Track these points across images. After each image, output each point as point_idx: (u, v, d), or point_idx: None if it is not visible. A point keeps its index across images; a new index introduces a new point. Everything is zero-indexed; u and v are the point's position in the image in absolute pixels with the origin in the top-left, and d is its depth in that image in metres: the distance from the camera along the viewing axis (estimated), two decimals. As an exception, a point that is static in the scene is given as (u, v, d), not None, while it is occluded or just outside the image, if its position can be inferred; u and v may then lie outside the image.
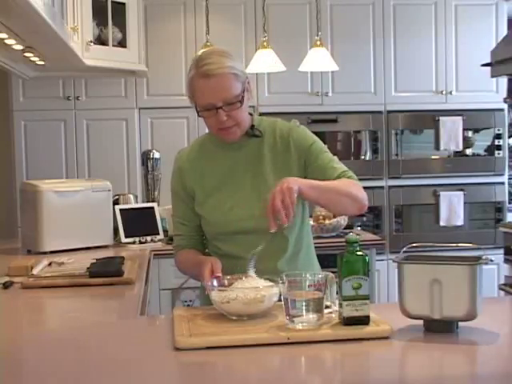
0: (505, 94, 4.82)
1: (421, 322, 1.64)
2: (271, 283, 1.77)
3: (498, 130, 4.82)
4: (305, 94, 4.65)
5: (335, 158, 2.13)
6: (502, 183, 4.86)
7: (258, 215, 2.01)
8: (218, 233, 2.10)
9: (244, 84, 2.03)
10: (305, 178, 2.03)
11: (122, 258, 2.81)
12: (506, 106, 4.84)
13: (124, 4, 4.13)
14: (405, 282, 1.64)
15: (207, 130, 2.15)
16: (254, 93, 4.38)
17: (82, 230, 3.27)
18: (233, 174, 2.11)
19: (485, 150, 4.88)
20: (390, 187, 4.75)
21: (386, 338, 1.59)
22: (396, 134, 4.74)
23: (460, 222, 4.76)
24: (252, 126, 2.11)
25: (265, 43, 3.86)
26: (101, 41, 4.00)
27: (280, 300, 1.70)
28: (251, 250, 1.95)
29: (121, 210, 3.64)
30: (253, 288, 1.75)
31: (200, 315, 1.78)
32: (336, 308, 1.69)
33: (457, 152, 4.80)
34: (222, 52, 2.03)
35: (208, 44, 3.85)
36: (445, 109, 4.77)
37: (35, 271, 2.52)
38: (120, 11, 4.11)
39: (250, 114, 2.13)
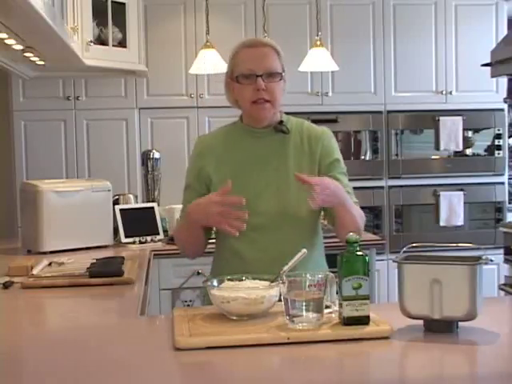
0: (505, 94, 4.82)
1: (421, 322, 1.64)
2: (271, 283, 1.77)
3: (498, 130, 4.82)
4: (305, 93, 4.65)
5: (350, 184, 2.16)
6: (502, 183, 4.86)
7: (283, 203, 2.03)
8: None
9: (283, 72, 2.10)
10: None
11: (122, 257, 2.81)
12: (506, 106, 4.84)
13: (124, 4, 4.13)
14: (405, 281, 1.64)
15: (210, 130, 2.15)
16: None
17: (82, 230, 3.26)
18: (253, 165, 2.09)
19: (485, 150, 4.88)
20: (390, 187, 4.75)
21: (386, 338, 1.58)
22: (396, 134, 4.75)
23: (460, 221, 4.76)
24: (280, 122, 2.12)
25: (265, 43, 3.85)
26: (101, 41, 4.00)
27: (280, 300, 1.70)
28: (262, 251, 1.92)
29: (121, 210, 3.64)
30: (253, 288, 1.75)
31: (200, 315, 1.78)
32: (336, 308, 1.69)
33: (457, 152, 4.80)
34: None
35: (208, 44, 3.85)
36: (445, 109, 4.77)
37: (35, 271, 2.52)
38: (120, 11, 4.11)
39: (280, 112, 2.15)
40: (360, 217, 2.09)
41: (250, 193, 2.05)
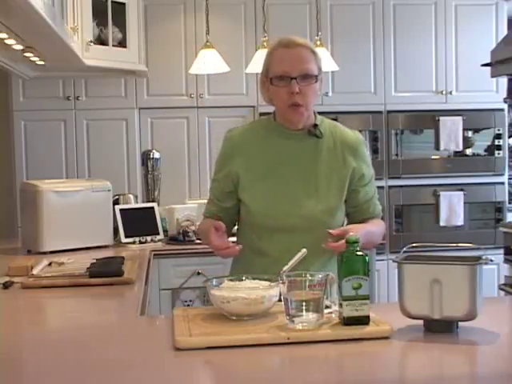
0: (505, 94, 4.82)
1: (421, 322, 1.64)
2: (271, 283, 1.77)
3: (498, 130, 4.81)
4: (305, 94, 4.64)
5: (376, 190, 2.19)
6: (502, 183, 4.86)
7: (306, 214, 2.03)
8: (256, 224, 2.08)
9: (319, 73, 2.06)
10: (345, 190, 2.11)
11: (122, 258, 2.81)
12: (506, 106, 4.83)
13: (124, 4, 4.13)
14: (405, 281, 1.64)
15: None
16: (254, 93, 4.38)
17: (82, 230, 3.27)
18: (284, 165, 2.08)
19: (485, 150, 4.87)
20: (390, 187, 4.75)
21: (386, 338, 1.59)
22: (396, 134, 4.74)
23: (460, 221, 4.76)
24: (315, 125, 2.11)
25: (265, 43, 3.85)
26: (101, 41, 4.00)
27: (280, 300, 1.70)
28: (285, 250, 1.93)
29: (121, 210, 3.64)
30: (253, 288, 1.75)
31: (200, 315, 1.78)
32: (336, 308, 1.69)
33: (457, 152, 4.80)
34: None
35: (208, 44, 3.85)
36: (445, 109, 4.77)
37: (35, 271, 2.52)
38: (120, 11, 4.10)
39: (314, 113, 2.15)
40: (380, 234, 2.17)
41: (277, 194, 2.06)
